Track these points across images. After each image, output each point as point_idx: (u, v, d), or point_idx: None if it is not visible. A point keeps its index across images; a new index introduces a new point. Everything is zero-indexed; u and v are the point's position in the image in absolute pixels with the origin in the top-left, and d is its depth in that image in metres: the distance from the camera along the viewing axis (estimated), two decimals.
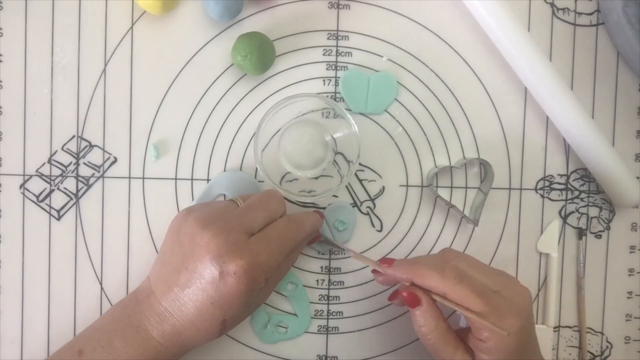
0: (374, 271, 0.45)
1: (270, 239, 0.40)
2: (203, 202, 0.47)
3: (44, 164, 0.47)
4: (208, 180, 0.48)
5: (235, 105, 0.48)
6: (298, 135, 0.48)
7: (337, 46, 0.49)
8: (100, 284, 0.48)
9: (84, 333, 0.43)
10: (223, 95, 0.48)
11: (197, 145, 0.48)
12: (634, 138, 0.51)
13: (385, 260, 0.44)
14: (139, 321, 0.40)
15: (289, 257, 0.44)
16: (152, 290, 0.41)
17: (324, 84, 0.49)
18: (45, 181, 0.47)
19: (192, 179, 0.48)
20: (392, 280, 0.44)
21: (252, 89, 0.48)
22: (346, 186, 0.49)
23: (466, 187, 0.50)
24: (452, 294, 0.39)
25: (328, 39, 0.49)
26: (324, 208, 0.49)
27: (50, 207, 0.47)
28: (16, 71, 0.47)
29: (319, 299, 0.49)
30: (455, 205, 0.49)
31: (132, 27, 0.47)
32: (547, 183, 0.50)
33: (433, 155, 0.49)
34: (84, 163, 0.47)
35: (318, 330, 0.49)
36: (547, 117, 0.49)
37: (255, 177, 0.48)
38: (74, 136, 0.47)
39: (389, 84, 0.48)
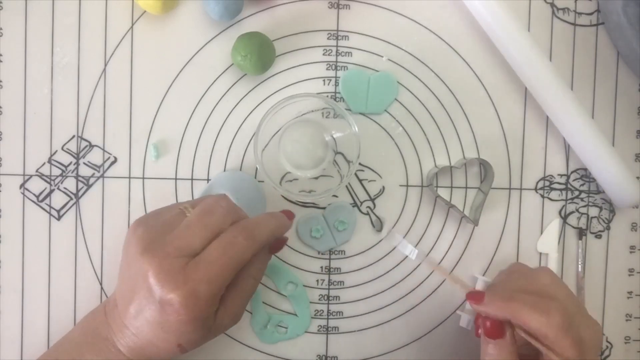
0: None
1: (210, 262, 0.36)
2: (158, 209, 0.42)
3: (44, 164, 0.47)
4: (208, 180, 0.48)
5: (235, 105, 0.48)
6: (298, 135, 0.48)
7: (337, 46, 0.49)
8: (100, 284, 0.48)
9: (58, 344, 0.42)
10: (223, 95, 0.48)
11: (197, 145, 0.48)
12: (634, 138, 0.51)
13: (473, 296, 0.38)
14: (107, 334, 0.39)
15: (247, 273, 0.40)
16: (116, 303, 0.40)
17: (324, 84, 0.49)
18: (45, 181, 0.47)
19: (192, 179, 0.48)
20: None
21: (252, 89, 0.48)
22: (346, 186, 0.49)
23: (466, 187, 0.50)
24: (554, 342, 0.36)
25: (328, 39, 0.49)
26: (324, 208, 0.49)
27: (50, 207, 0.47)
28: (16, 71, 0.47)
29: (319, 299, 0.49)
30: (455, 205, 0.49)
31: (132, 27, 0.47)
32: (547, 183, 0.50)
33: (433, 155, 0.50)
34: (84, 163, 0.47)
35: (318, 330, 0.49)
36: (547, 117, 0.49)
37: (255, 177, 0.48)
38: (74, 136, 0.47)
39: (389, 84, 0.48)
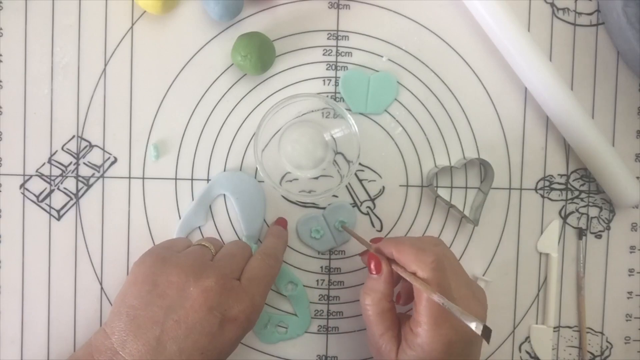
0: (361, 254, 0.47)
1: (259, 280, 0.41)
2: (166, 242, 0.45)
3: (44, 164, 0.47)
4: (208, 180, 0.48)
5: (235, 105, 0.48)
6: (298, 135, 0.48)
7: (337, 46, 0.49)
8: (100, 284, 0.48)
9: None
10: (223, 95, 0.48)
11: (197, 145, 0.48)
12: (634, 138, 0.51)
13: (375, 240, 0.45)
14: None
15: None
16: (115, 350, 0.37)
17: (324, 84, 0.49)
18: (45, 181, 0.47)
19: (192, 179, 0.48)
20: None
21: (252, 89, 0.48)
22: (346, 186, 0.49)
23: (466, 187, 0.50)
24: (424, 278, 0.39)
25: (328, 39, 0.49)
26: (324, 208, 0.49)
27: (50, 207, 0.47)
28: (16, 71, 0.47)
29: (319, 299, 0.49)
30: (455, 205, 0.49)
31: (132, 27, 0.47)
32: (547, 183, 0.50)
33: (433, 155, 0.50)
34: (84, 163, 0.47)
35: (318, 330, 0.49)
36: (547, 117, 0.49)
37: (255, 177, 0.48)
38: (74, 136, 0.47)
39: (389, 84, 0.48)
